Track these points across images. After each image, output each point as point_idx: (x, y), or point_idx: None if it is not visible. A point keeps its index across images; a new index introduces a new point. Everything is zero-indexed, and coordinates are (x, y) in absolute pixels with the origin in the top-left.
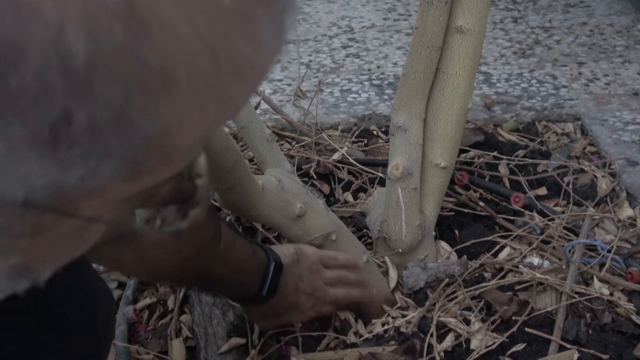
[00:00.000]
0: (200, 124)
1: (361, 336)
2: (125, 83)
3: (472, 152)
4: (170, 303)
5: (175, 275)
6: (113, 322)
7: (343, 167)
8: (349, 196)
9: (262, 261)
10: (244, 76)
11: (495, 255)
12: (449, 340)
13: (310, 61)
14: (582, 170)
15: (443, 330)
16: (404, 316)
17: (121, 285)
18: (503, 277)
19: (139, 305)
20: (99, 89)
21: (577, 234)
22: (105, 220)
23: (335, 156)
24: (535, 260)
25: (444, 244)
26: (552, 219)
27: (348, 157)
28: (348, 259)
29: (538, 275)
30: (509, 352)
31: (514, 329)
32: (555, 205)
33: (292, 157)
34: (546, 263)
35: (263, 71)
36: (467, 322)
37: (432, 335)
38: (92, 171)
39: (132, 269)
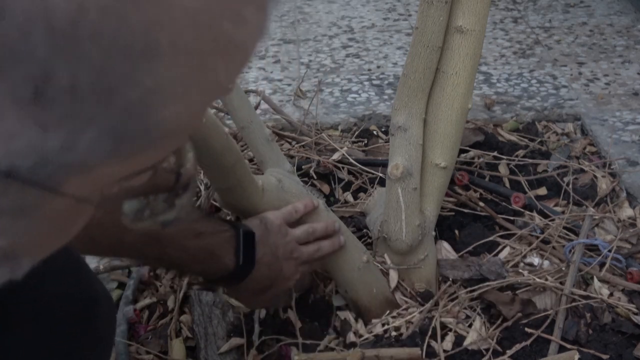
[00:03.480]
0: (182, 99)
1: (361, 336)
2: (107, 45)
3: (472, 152)
4: (170, 303)
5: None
6: (114, 323)
7: (343, 167)
8: (349, 196)
9: (230, 233)
10: (226, 53)
11: (496, 255)
12: (449, 340)
13: (310, 61)
14: (582, 170)
15: (443, 331)
16: (404, 316)
17: (121, 285)
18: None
19: (139, 305)
20: (81, 48)
21: (577, 234)
22: (94, 203)
23: (335, 156)
24: (536, 260)
25: (445, 244)
26: (552, 219)
27: (348, 157)
28: (306, 205)
29: (537, 280)
30: (509, 352)
31: (514, 329)
32: (555, 205)
33: (292, 157)
34: (546, 263)
35: (247, 51)
36: (468, 322)
37: (432, 335)
38: (73, 138)
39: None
